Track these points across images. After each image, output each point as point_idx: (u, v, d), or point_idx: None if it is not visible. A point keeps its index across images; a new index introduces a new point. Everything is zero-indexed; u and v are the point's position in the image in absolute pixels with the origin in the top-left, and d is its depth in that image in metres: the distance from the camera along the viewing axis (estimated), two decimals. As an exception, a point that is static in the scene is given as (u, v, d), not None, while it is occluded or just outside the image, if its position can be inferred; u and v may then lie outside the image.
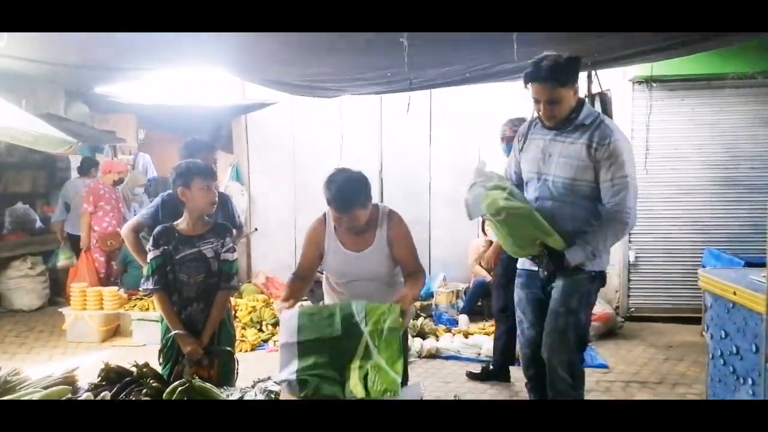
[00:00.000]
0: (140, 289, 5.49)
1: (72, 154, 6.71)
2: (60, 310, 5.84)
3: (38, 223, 7.37)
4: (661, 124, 6.02)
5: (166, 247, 2.81)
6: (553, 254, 2.67)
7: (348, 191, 2.56)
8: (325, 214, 2.78)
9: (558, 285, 2.75)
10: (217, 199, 2.89)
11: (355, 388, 2.18)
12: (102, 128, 7.26)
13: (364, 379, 2.21)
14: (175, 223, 2.89)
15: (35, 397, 2.20)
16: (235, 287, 2.98)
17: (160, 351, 2.91)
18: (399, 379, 2.16)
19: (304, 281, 2.75)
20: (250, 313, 5.73)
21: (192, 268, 2.80)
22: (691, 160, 6.03)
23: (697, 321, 5.56)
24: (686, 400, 3.99)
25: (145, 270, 2.88)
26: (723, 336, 3.07)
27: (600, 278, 2.80)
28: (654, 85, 5.97)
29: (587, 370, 4.48)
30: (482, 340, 5.03)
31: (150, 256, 2.82)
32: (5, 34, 3.61)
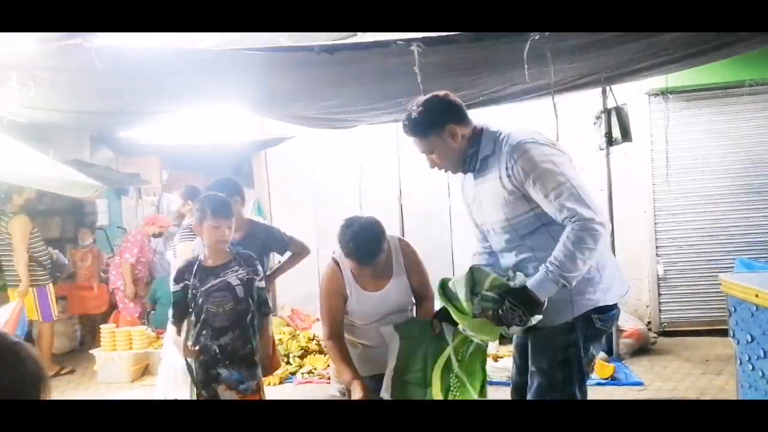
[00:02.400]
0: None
1: (98, 198, 6.88)
2: (91, 351, 5.92)
3: (68, 266, 7.52)
4: (680, 135, 5.98)
5: (188, 282, 2.87)
6: (514, 294, 2.05)
7: (367, 243, 2.53)
8: (335, 261, 2.72)
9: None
10: (228, 238, 2.90)
11: (437, 395, 2.32)
12: (127, 171, 7.45)
13: (446, 390, 2.34)
14: (200, 257, 2.95)
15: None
16: (270, 310, 3.13)
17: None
18: (476, 398, 2.22)
19: (342, 338, 2.68)
20: (276, 346, 5.74)
21: (219, 298, 2.85)
22: (713, 170, 5.96)
23: (732, 333, 5.41)
24: (687, 400, 3.89)
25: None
26: (749, 340, 3.00)
27: (583, 326, 2.12)
28: (670, 96, 5.95)
29: (622, 389, 4.42)
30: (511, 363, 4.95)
31: (172, 288, 2.93)
32: (33, 85, 3.75)
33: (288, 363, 5.58)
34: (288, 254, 3.91)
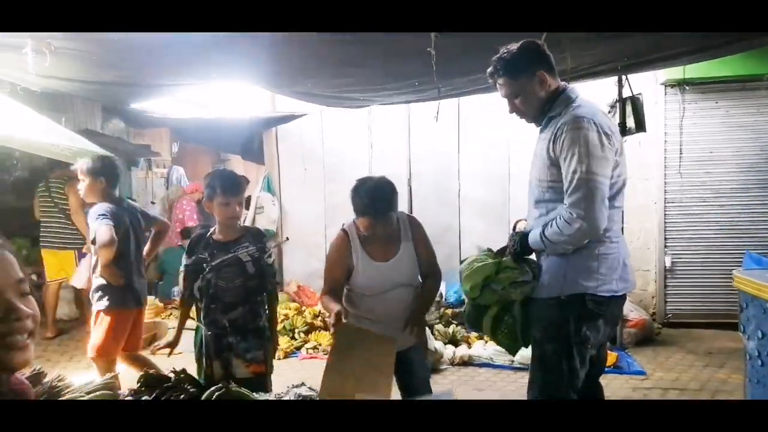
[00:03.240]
0: (174, 298, 5.65)
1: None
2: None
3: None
4: (695, 127, 5.93)
5: (201, 255, 2.88)
6: (520, 234, 2.40)
7: (381, 196, 2.65)
8: (345, 231, 2.78)
9: None
10: (238, 215, 2.94)
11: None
12: (138, 142, 7.47)
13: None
14: (210, 231, 2.97)
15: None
16: (276, 288, 3.14)
17: (196, 359, 2.99)
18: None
19: (339, 299, 2.74)
20: (282, 321, 5.80)
21: (229, 274, 2.86)
22: (727, 163, 5.91)
23: (737, 327, 5.40)
24: (689, 400, 3.91)
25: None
26: (760, 337, 3.01)
27: (575, 306, 2.22)
28: (687, 88, 5.88)
29: (623, 377, 4.44)
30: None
31: (183, 260, 2.94)
32: (48, 55, 3.75)
33: (293, 338, 5.64)
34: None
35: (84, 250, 5.69)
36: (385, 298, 2.74)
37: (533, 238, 2.32)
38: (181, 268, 2.96)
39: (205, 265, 2.87)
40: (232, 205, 2.87)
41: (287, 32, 3.31)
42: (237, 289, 2.87)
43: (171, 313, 5.82)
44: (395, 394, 2.87)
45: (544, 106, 2.31)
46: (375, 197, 2.63)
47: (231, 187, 2.89)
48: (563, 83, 2.35)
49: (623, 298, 2.33)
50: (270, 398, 2.44)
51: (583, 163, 2.11)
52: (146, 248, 4.04)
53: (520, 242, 2.36)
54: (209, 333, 2.91)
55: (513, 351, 2.56)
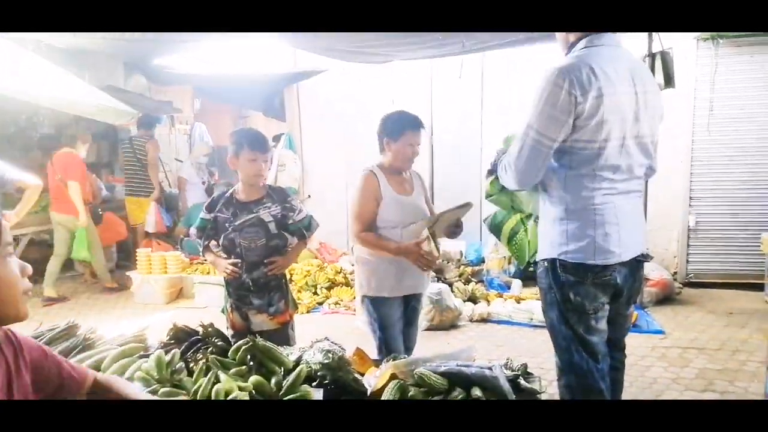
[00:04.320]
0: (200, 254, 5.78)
1: (132, 125, 6.96)
2: (127, 273, 6.17)
3: (104, 192, 7.71)
4: (727, 83, 5.74)
5: (220, 214, 2.91)
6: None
7: (412, 114, 2.95)
8: (370, 170, 2.92)
9: None
10: (264, 173, 2.94)
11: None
12: (160, 99, 7.50)
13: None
14: (232, 190, 3.00)
15: (112, 353, 2.37)
16: (306, 239, 3.10)
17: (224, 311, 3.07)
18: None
19: (374, 231, 2.90)
20: (305, 277, 5.91)
21: (252, 233, 2.89)
22: (758, 121, 5.74)
23: (760, 287, 5.37)
24: (691, 400, 3.90)
25: (196, 221, 3.05)
26: None
27: (552, 270, 2.17)
28: (721, 41, 5.67)
29: (642, 336, 4.46)
30: (535, 305, 5.02)
31: (201, 214, 2.98)
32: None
33: (315, 293, 5.74)
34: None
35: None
36: (406, 231, 2.89)
37: (499, 168, 2.35)
38: (197, 222, 3.00)
39: (227, 224, 2.90)
40: (259, 161, 2.86)
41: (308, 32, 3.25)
42: (260, 249, 2.91)
43: (197, 269, 5.95)
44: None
45: (566, 54, 2.18)
46: (409, 113, 2.95)
47: (258, 143, 2.89)
48: (585, 33, 2.12)
49: (618, 266, 2.13)
50: (293, 352, 2.51)
51: (532, 115, 2.06)
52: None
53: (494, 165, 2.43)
54: (233, 286, 2.98)
55: (521, 260, 2.76)
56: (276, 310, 2.99)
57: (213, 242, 3.02)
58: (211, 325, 2.69)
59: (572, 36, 2.16)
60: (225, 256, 2.98)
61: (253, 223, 2.90)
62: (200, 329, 2.66)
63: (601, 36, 2.09)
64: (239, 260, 2.91)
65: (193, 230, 3.07)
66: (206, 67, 6.78)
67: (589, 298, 2.13)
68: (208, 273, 5.75)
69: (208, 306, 5.44)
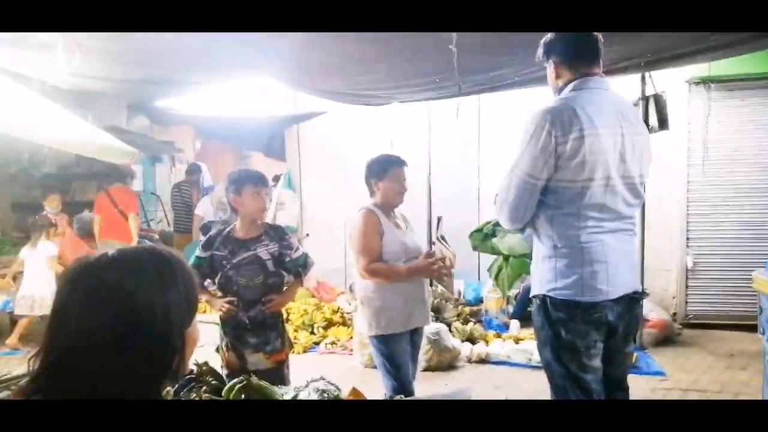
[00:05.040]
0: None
1: (133, 164, 7.04)
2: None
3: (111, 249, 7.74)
4: (720, 126, 5.84)
5: (217, 252, 2.90)
6: None
7: (394, 154, 3.15)
8: (368, 208, 2.98)
9: None
10: (267, 207, 3.00)
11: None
12: (162, 139, 7.60)
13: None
14: (229, 228, 3.01)
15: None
16: (302, 277, 3.13)
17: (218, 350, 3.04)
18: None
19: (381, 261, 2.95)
20: (302, 316, 5.87)
21: (250, 271, 2.89)
22: (752, 163, 5.81)
23: (760, 329, 5.33)
24: (691, 400, 3.87)
25: (191, 259, 2.98)
26: None
27: (542, 306, 2.18)
28: (712, 85, 5.79)
29: (642, 378, 4.41)
30: (533, 346, 4.95)
31: (197, 252, 2.95)
32: (78, 54, 3.85)
33: (312, 333, 5.69)
34: None
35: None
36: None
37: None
38: (192, 260, 2.94)
39: (224, 262, 2.89)
40: (262, 194, 2.91)
41: (307, 32, 3.35)
42: (257, 287, 2.90)
43: (193, 307, 5.92)
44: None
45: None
46: (389, 154, 3.13)
47: (259, 178, 2.95)
48: (578, 76, 2.19)
49: (610, 303, 2.12)
50: (288, 392, 2.48)
51: (517, 154, 2.15)
52: None
53: None
54: (229, 325, 2.95)
55: (503, 291, 3.24)
56: (272, 349, 2.96)
57: (208, 280, 3.01)
58: (206, 363, 2.66)
59: (561, 81, 2.24)
60: (221, 294, 2.97)
61: (251, 261, 2.90)
62: (194, 368, 2.64)
63: (589, 80, 2.17)
64: (235, 298, 2.90)
65: None
66: (208, 108, 6.89)
67: (580, 335, 2.12)
68: (205, 311, 5.70)
69: (204, 344, 5.37)
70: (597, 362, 2.17)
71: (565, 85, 2.21)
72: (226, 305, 2.88)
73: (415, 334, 3.06)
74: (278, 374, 2.94)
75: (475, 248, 2.83)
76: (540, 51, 2.28)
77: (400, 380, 2.90)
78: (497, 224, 2.63)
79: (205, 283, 3.01)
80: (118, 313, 1.00)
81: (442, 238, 2.96)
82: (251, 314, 2.91)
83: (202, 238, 3.04)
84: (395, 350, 2.92)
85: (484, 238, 2.71)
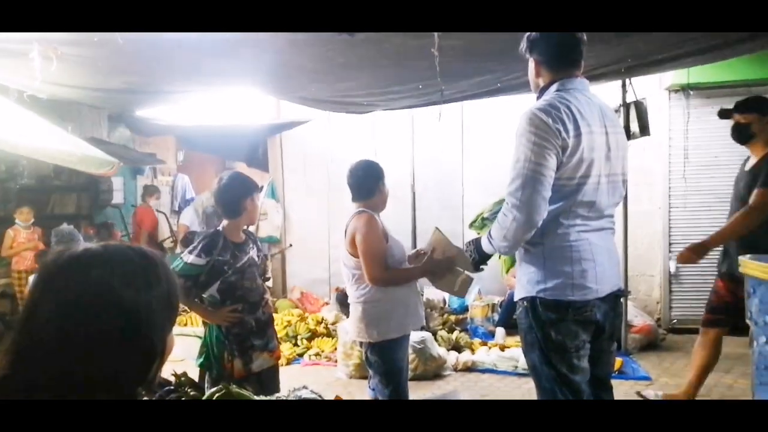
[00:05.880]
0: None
1: (113, 174, 6.92)
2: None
3: (82, 243, 7.61)
4: (700, 132, 5.91)
5: (220, 258, 2.82)
6: (476, 240, 2.40)
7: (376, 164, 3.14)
8: (370, 212, 2.96)
9: None
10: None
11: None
12: (143, 151, 7.51)
13: None
14: (222, 233, 2.92)
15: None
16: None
17: (204, 361, 2.92)
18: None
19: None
20: (285, 327, 5.79)
21: (252, 274, 2.94)
22: (732, 168, 5.85)
23: (744, 332, 5.34)
24: (690, 400, 3.87)
25: (174, 267, 2.80)
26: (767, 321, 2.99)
27: (532, 309, 2.15)
28: (691, 92, 5.86)
29: (628, 383, 4.40)
30: (519, 353, 4.95)
31: (191, 260, 2.80)
32: (54, 60, 3.78)
33: (296, 345, 5.62)
34: None
35: None
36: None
37: (483, 241, 2.30)
38: (182, 269, 2.80)
39: (226, 267, 2.84)
40: (257, 201, 3.02)
41: (290, 34, 3.33)
42: (258, 288, 2.97)
43: (175, 319, 5.82)
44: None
45: (538, 97, 2.24)
46: (375, 164, 3.11)
47: (255, 185, 3.03)
48: (558, 77, 2.19)
49: (598, 302, 2.13)
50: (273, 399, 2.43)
51: (521, 152, 2.06)
52: None
53: (476, 249, 2.37)
54: (234, 333, 2.87)
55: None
56: (273, 346, 3.03)
57: (206, 292, 2.88)
58: (185, 374, 2.62)
59: (541, 80, 2.23)
60: (208, 305, 2.88)
61: (251, 263, 2.95)
62: (172, 378, 2.59)
63: (573, 80, 2.18)
64: (239, 304, 2.86)
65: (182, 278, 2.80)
66: (190, 118, 6.83)
67: (570, 335, 2.11)
68: (186, 324, 5.62)
69: (185, 358, 5.27)
70: (585, 363, 2.16)
71: (548, 85, 2.21)
72: (232, 314, 2.84)
73: (406, 338, 3.05)
74: (276, 371, 3.05)
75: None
76: (523, 44, 2.25)
77: (399, 386, 2.88)
78: (495, 209, 2.60)
79: (205, 295, 2.87)
80: (101, 312, 0.94)
81: (444, 240, 2.96)
82: (257, 315, 2.93)
83: (195, 246, 2.85)
84: (398, 355, 2.90)
85: (482, 224, 2.69)
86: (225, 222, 2.95)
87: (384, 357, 2.89)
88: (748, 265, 3.19)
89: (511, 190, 2.09)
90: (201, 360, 2.93)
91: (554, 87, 2.17)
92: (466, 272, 2.86)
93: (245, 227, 3.02)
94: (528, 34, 2.23)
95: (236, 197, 2.89)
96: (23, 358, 0.94)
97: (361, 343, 3.01)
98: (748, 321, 3.17)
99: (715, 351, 3.81)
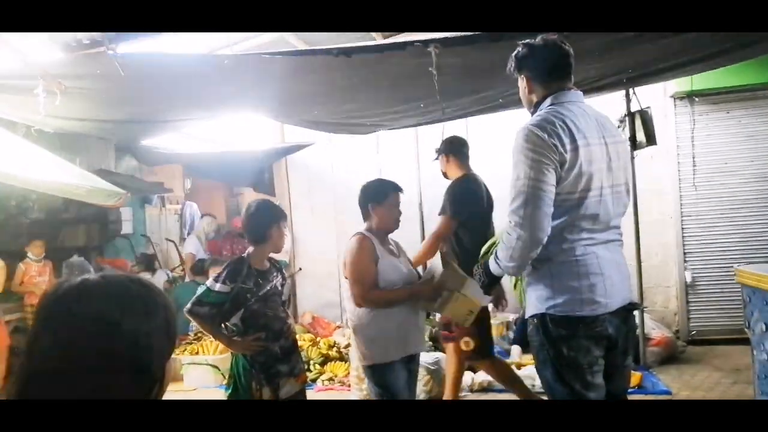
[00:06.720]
0: (189, 333, 5.62)
1: (122, 206, 6.96)
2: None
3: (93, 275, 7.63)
4: (708, 138, 5.85)
5: (244, 286, 2.82)
6: (483, 265, 2.37)
7: (391, 180, 3.07)
8: (362, 233, 2.96)
9: None
10: None
11: None
12: (150, 180, 7.55)
13: None
14: (248, 261, 2.93)
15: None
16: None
17: (233, 389, 2.90)
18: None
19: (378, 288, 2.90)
20: (297, 352, 5.73)
21: (274, 302, 2.93)
22: (742, 174, 5.80)
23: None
24: (691, 400, 3.78)
25: (201, 295, 2.85)
26: (764, 329, 2.93)
27: (543, 326, 2.12)
28: (696, 99, 5.82)
29: (649, 398, 4.29)
30: (535, 372, 4.85)
31: (217, 287, 2.80)
32: (58, 94, 3.82)
33: (308, 370, 5.55)
34: None
35: None
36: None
37: (491, 264, 2.27)
38: (207, 297, 2.80)
39: (249, 295, 2.83)
40: (283, 229, 3.02)
41: (291, 59, 3.35)
42: (278, 318, 2.94)
43: (185, 349, 5.77)
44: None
45: (532, 114, 2.24)
46: (386, 179, 3.09)
47: (282, 213, 3.04)
48: (551, 91, 2.19)
49: (608, 316, 2.10)
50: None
51: (520, 170, 2.06)
52: None
53: (484, 273, 2.33)
54: (259, 361, 2.85)
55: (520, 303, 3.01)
56: (299, 370, 3.01)
57: (228, 321, 2.89)
58: (194, 403, 2.57)
59: (534, 96, 2.23)
60: (234, 333, 2.87)
61: (274, 291, 2.94)
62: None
63: (566, 93, 2.17)
64: (263, 333, 2.84)
65: (201, 308, 2.81)
66: (195, 146, 6.87)
67: (582, 351, 2.07)
68: (197, 353, 5.58)
69: (198, 387, 5.24)
70: (600, 379, 2.12)
71: (541, 100, 2.21)
72: (255, 342, 2.82)
73: (411, 361, 2.99)
74: (303, 395, 3.05)
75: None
76: (511, 64, 2.26)
77: None
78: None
79: (229, 323, 2.86)
80: (100, 340, 0.96)
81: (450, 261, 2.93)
82: (281, 343, 2.91)
83: (221, 274, 2.85)
84: (392, 379, 2.85)
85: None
86: (251, 249, 2.96)
87: (376, 380, 2.88)
88: (743, 273, 3.16)
89: (513, 208, 2.07)
90: (230, 391, 2.93)
91: (548, 101, 2.17)
92: (470, 297, 2.80)
93: (270, 254, 3.04)
94: (515, 53, 2.24)
95: (262, 224, 2.92)
96: (28, 385, 0.97)
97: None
98: (746, 330, 3.13)
99: None
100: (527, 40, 2.22)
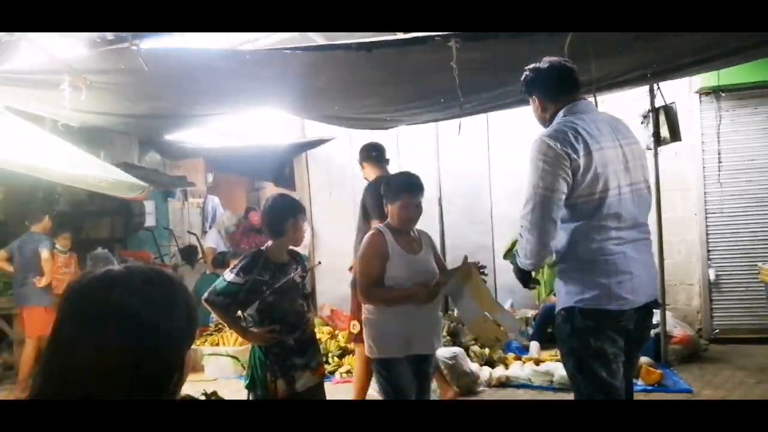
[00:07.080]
0: (209, 324, 5.70)
1: (144, 198, 7.07)
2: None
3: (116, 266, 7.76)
4: (733, 135, 5.75)
5: (259, 278, 2.85)
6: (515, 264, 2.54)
7: (416, 178, 3.01)
8: (377, 229, 2.98)
9: None
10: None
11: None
12: (173, 174, 7.66)
13: None
14: (265, 253, 2.96)
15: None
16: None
17: (250, 381, 2.93)
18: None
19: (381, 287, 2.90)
20: (316, 345, 5.78)
21: (292, 295, 2.93)
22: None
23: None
24: (691, 400, 3.73)
25: (216, 284, 2.89)
26: None
27: (570, 318, 2.26)
28: (723, 95, 5.71)
29: (670, 396, 4.25)
30: (554, 367, 4.83)
31: (231, 278, 2.84)
32: (84, 90, 3.89)
33: (327, 362, 5.59)
34: None
35: None
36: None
37: (517, 259, 2.44)
38: (223, 287, 2.85)
39: (264, 287, 2.85)
40: (301, 223, 3.02)
41: (311, 54, 3.37)
42: (298, 309, 2.95)
43: (206, 340, 5.85)
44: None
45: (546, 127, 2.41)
46: (411, 178, 3.02)
47: (300, 207, 3.06)
48: (562, 105, 2.35)
49: (632, 311, 2.22)
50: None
51: (532, 177, 2.24)
52: None
53: (517, 270, 2.49)
54: (274, 353, 2.87)
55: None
56: (317, 363, 3.00)
57: (241, 311, 2.93)
58: (214, 393, 2.62)
59: (547, 113, 2.39)
60: (252, 325, 2.90)
61: (291, 285, 2.94)
62: (203, 398, 2.59)
63: (577, 104, 2.34)
64: (277, 325, 2.86)
65: (215, 297, 2.86)
66: (217, 141, 6.94)
67: (608, 342, 2.20)
68: (217, 344, 5.66)
69: (218, 378, 5.31)
70: (621, 369, 2.25)
71: (554, 115, 2.36)
72: (269, 335, 2.84)
73: (423, 362, 2.98)
74: (322, 389, 3.03)
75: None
76: (521, 88, 2.46)
77: None
78: None
79: (242, 314, 2.93)
80: (122, 330, 0.98)
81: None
82: (297, 335, 2.91)
83: (235, 265, 2.91)
84: (394, 375, 2.86)
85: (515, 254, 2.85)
86: (269, 242, 3.00)
87: (382, 375, 2.91)
88: (765, 271, 3.12)
89: (524, 213, 2.27)
90: (247, 382, 2.97)
91: (561, 114, 2.33)
92: (497, 324, 2.81)
93: (290, 248, 3.04)
94: (522, 77, 2.43)
95: (280, 218, 2.94)
96: (52, 377, 0.99)
97: None
98: None
99: None
100: (532, 65, 2.41)
